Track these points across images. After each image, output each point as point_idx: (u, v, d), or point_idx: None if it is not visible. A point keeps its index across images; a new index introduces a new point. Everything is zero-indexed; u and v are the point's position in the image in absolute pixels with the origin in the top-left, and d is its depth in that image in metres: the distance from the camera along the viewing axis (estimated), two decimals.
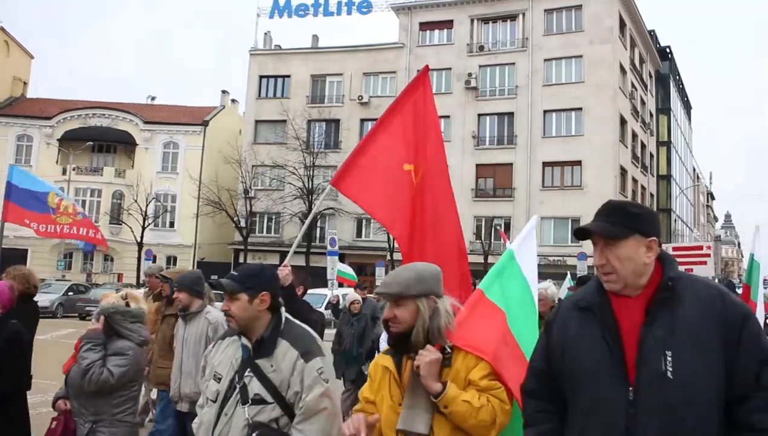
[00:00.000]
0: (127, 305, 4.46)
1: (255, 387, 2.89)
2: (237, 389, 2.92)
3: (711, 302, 2.26)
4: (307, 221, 6.60)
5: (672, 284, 2.30)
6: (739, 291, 9.81)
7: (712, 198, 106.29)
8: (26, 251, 43.91)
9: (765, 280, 9.28)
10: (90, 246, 35.87)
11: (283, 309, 3.14)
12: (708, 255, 7.38)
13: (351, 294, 11.13)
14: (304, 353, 2.94)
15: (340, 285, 23.42)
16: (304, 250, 39.81)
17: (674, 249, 7.75)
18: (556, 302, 6.29)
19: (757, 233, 8.98)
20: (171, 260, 46.38)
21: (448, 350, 2.84)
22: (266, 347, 2.97)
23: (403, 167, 5.03)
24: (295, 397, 2.88)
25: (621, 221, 2.37)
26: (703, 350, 2.20)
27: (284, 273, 5.05)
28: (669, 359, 2.20)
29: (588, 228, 2.41)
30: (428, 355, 2.75)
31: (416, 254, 4.59)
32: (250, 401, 2.87)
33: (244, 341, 3.02)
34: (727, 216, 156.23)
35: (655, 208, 51.28)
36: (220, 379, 3.03)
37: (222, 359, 3.10)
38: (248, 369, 2.94)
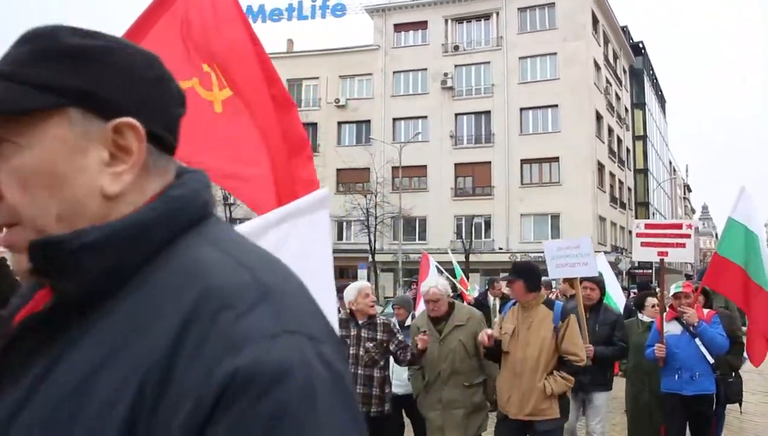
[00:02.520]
0: None
1: None
2: None
3: (165, 313, 0.77)
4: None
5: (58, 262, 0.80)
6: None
7: (689, 190, 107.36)
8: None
9: None
10: None
11: None
12: (688, 236, 6.07)
13: None
14: None
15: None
16: None
17: (647, 227, 6.47)
18: (451, 296, 5.88)
19: (744, 194, 6.70)
20: None
21: None
22: None
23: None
24: None
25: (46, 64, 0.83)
26: None
27: None
28: None
29: None
30: None
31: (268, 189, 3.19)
32: None
33: None
34: (704, 207, 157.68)
35: (633, 202, 51.79)
36: None
37: None
38: None
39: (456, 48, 43.20)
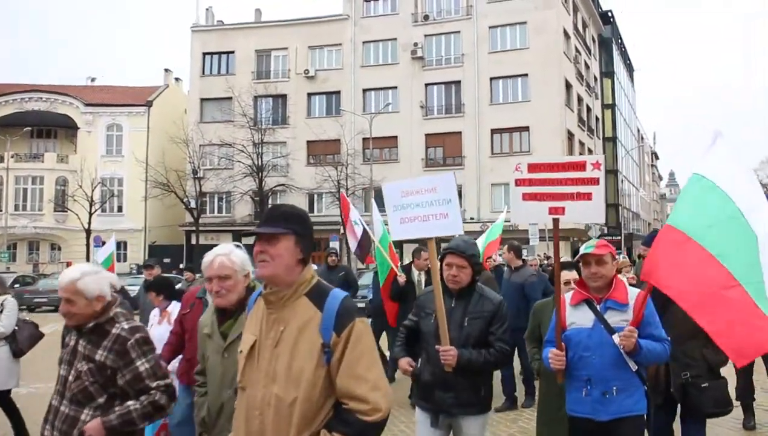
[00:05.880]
0: None
1: None
2: None
3: None
4: None
5: None
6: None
7: (657, 157, 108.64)
8: None
9: None
10: None
11: None
12: (594, 182, 3.75)
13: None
14: None
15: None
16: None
17: (532, 169, 3.92)
18: (250, 274, 3.65)
19: (721, 138, 3.77)
20: (121, 245, 45.46)
21: None
22: None
23: None
24: None
25: None
26: None
27: None
28: None
29: None
30: None
31: None
32: None
33: None
34: (671, 174, 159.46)
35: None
36: None
37: None
38: None
39: (426, 17, 42.88)
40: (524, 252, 9.95)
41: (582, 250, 3.94)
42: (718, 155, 3.73)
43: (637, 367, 3.73)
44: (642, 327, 3.68)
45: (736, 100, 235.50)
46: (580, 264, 3.98)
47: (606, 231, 46.21)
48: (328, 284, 2.63)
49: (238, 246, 3.62)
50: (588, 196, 3.77)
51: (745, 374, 6.98)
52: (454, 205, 3.99)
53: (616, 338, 3.64)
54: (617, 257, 3.93)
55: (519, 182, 3.98)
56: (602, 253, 3.86)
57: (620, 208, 55.46)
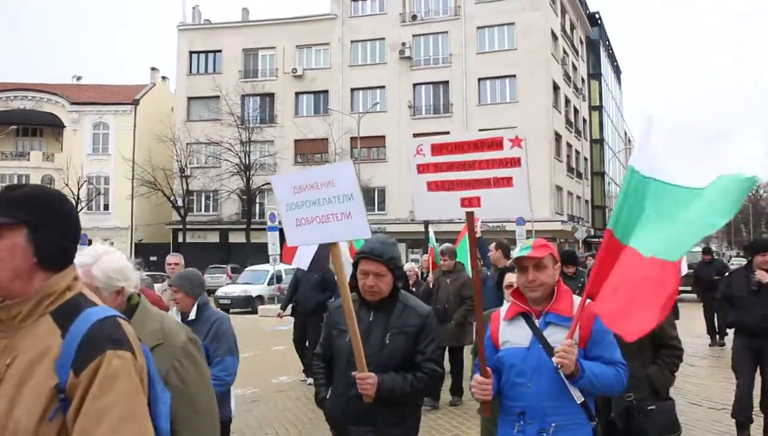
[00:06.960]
0: None
1: None
2: None
3: None
4: None
5: None
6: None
7: None
8: None
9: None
10: None
11: None
12: (515, 163, 2.99)
13: None
14: None
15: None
16: (244, 227, 39.37)
17: (436, 151, 3.09)
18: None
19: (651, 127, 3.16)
20: (107, 244, 45.16)
21: None
22: None
23: None
24: None
25: None
26: None
27: None
28: None
29: None
30: None
31: None
32: None
33: None
34: None
35: (589, 172, 52.62)
36: None
37: None
38: None
39: (414, 17, 42.94)
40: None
41: (516, 253, 3.15)
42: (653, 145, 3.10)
43: (583, 398, 2.91)
44: (590, 347, 2.95)
45: (727, 101, 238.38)
46: (516, 270, 3.16)
47: (593, 233, 46.44)
48: (91, 300, 1.77)
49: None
50: (508, 182, 3.00)
51: (740, 390, 6.46)
52: (358, 202, 3.23)
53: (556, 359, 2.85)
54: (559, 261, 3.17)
55: (421, 169, 3.18)
56: (541, 255, 3.05)
57: (607, 210, 55.77)
